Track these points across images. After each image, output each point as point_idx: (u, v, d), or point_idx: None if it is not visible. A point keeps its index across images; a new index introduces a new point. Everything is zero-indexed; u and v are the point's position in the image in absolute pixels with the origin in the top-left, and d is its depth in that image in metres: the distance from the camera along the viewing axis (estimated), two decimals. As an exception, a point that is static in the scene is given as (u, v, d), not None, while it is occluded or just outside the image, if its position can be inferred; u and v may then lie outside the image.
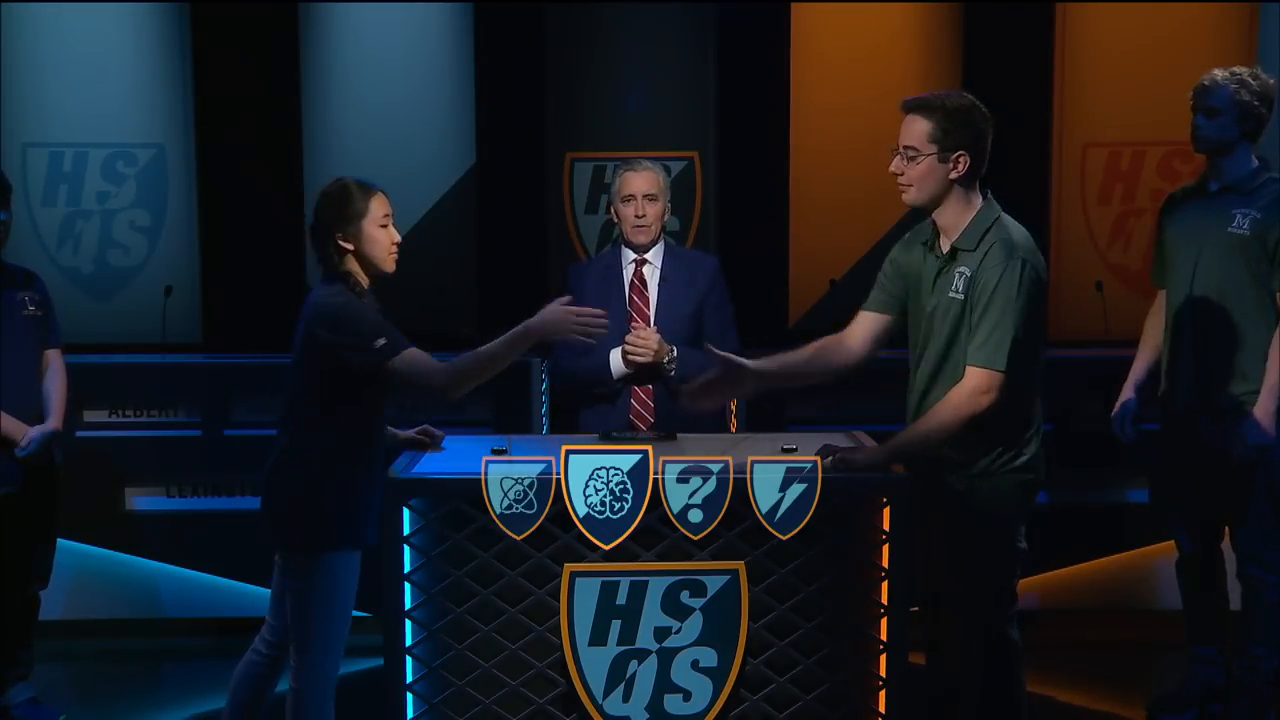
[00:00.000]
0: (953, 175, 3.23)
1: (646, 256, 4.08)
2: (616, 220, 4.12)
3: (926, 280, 3.35)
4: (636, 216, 4.02)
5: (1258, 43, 6.06)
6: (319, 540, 3.23)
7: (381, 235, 3.32)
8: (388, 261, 3.34)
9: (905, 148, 3.25)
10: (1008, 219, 3.28)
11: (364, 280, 3.32)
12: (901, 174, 3.27)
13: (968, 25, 6.22)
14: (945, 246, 3.31)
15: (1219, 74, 3.88)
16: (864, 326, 3.48)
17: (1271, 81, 3.89)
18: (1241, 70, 3.88)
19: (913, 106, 3.27)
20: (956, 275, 3.25)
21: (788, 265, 6.25)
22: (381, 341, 3.18)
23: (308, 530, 3.24)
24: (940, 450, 3.22)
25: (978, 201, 3.29)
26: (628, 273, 4.09)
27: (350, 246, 3.29)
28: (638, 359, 3.91)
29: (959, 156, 3.22)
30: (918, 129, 3.24)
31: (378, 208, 3.31)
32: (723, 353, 3.36)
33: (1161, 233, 4.10)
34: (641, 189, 4.02)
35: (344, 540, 3.24)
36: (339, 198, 3.30)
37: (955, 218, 3.28)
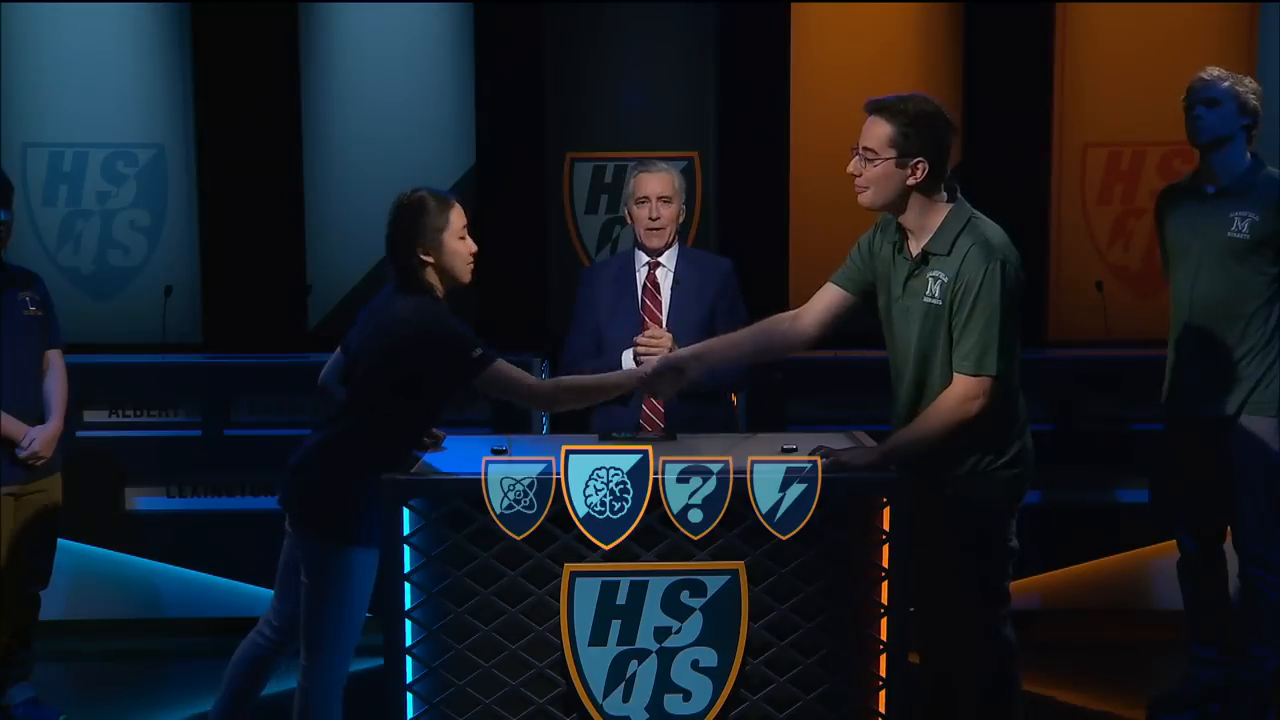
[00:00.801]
0: (910, 181, 3.19)
1: (660, 259, 4.05)
2: (630, 221, 4.09)
3: (896, 282, 3.32)
4: (650, 219, 3.99)
5: (1258, 43, 6.07)
6: (345, 532, 3.25)
7: (461, 247, 3.35)
8: (465, 273, 3.37)
9: (864, 149, 3.22)
10: (981, 219, 3.24)
11: (441, 291, 3.35)
12: (859, 175, 3.24)
13: (968, 25, 6.22)
14: (915, 249, 3.27)
15: (1214, 70, 3.93)
16: (825, 302, 3.46)
17: (1258, 85, 3.94)
18: (1232, 72, 3.94)
19: (875, 108, 3.24)
20: (930, 280, 3.22)
21: (788, 265, 6.24)
22: (479, 352, 3.23)
23: (336, 521, 3.26)
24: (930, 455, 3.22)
25: (943, 204, 3.24)
26: (640, 275, 4.06)
27: (430, 259, 3.31)
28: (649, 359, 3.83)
29: (918, 163, 3.17)
30: (878, 132, 3.20)
31: (457, 219, 3.34)
32: (663, 357, 3.44)
33: (1161, 230, 4.11)
34: (656, 191, 3.99)
35: (369, 537, 3.25)
36: (418, 210, 3.32)
37: (920, 220, 3.24)
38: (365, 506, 3.24)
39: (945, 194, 3.25)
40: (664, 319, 4.00)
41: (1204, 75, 3.94)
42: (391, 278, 3.37)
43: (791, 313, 3.49)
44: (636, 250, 4.10)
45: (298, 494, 3.34)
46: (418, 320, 3.25)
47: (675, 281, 4.03)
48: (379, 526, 3.20)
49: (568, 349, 4.08)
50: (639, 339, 3.89)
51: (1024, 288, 3.23)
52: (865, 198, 3.25)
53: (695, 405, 3.88)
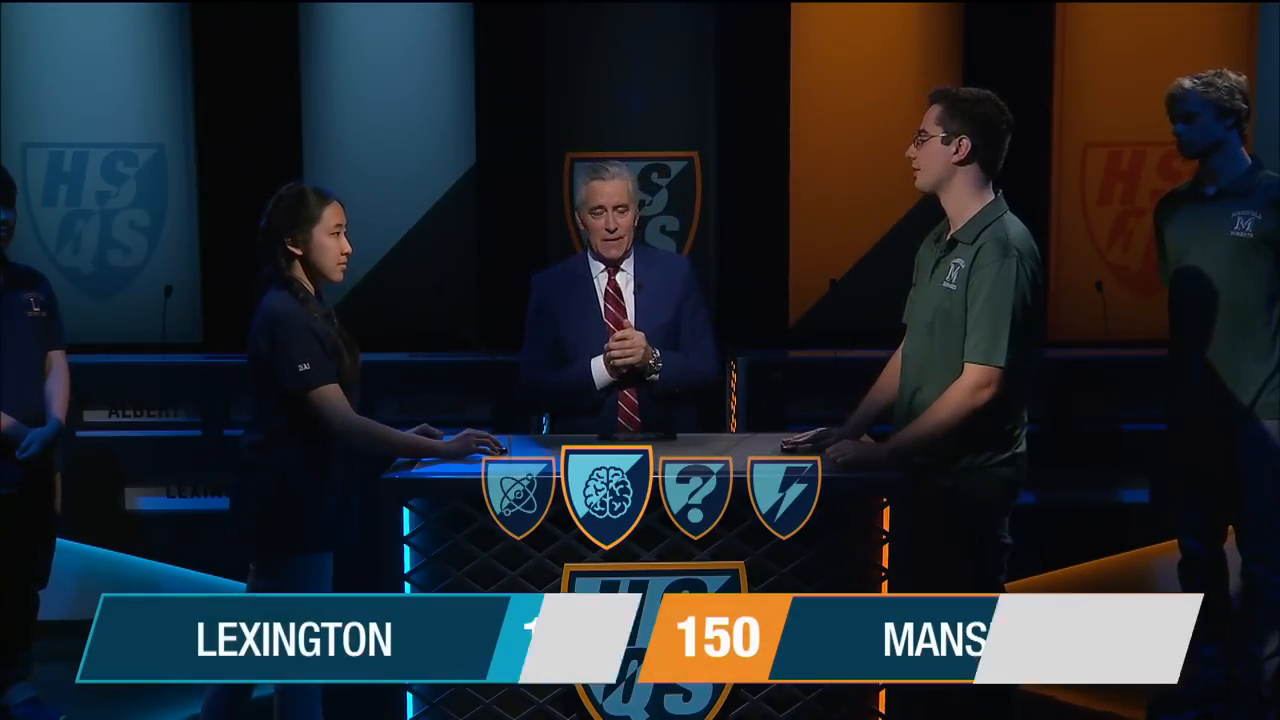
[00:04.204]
0: (955, 159, 3.29)
1: (619, 264, 3.88)
2: (583, 229, 3.88)
3: (924, 272, 3.42)
4: (608, 230, 3.77)
5: (1258, 43, 6.07)
6: (286, 543, 3.25)
7: (331, 244, 3.31)
8: (335, 271, 3.34)
9: (918, 131, 3.35)
10: (1011, 218, 3.31)
11: (309, 287, 3.32)
12: (914, 158, 3.35)
13: (968, 26, 6.23)
14: (948, 236, 3.36)
15: (1184, 81, 3.91)
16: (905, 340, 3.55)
17: (1241, 77, 3.91)
18: (1204, 73, 3.91)
19: (930, 95, 3.38)
20: (952, 266, 3.30)
21: (788, 265, 6.24)
22: (305, 367, 3.18)
23: (276, 533, 3.26)
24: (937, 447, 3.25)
25: (988, 196, 3.33)
26: (600, 281, 3.87)
27: (299, 252, 3.29)
28: (627, 360, 3.72)
29: (961, 140, 3.28)
30: (929, 114, 3.34)
31: (331, 216, 3.31)
32: (836, 442, 3.32)
33: (1160, 236, 4.10)
34: (612, 200, 3.77)
35: (311, 544, 3.26)
36: (294, 202, 3.30)
37: (960, 206, 3.32)
38: (302, 510, 3.24)
39: (992, 190, 3.34)
40: (631, 325, 3.81)
41: (1173, 90, 3.92)
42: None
43: (893, 356, 3.56)
44: (589, 256, 3.90)
45: (237, 511, 3.35)
46: (270, 316, 3.23)
47: (638, 285, 3.84)
48: (319, 529, 3.24)
49: (524, 362, 3.90)
50: (610, 344, 3.73)
51: (1042, 289, 3.31)
52: (918, 179, 3.37)
53: (665, 405, 3.82)
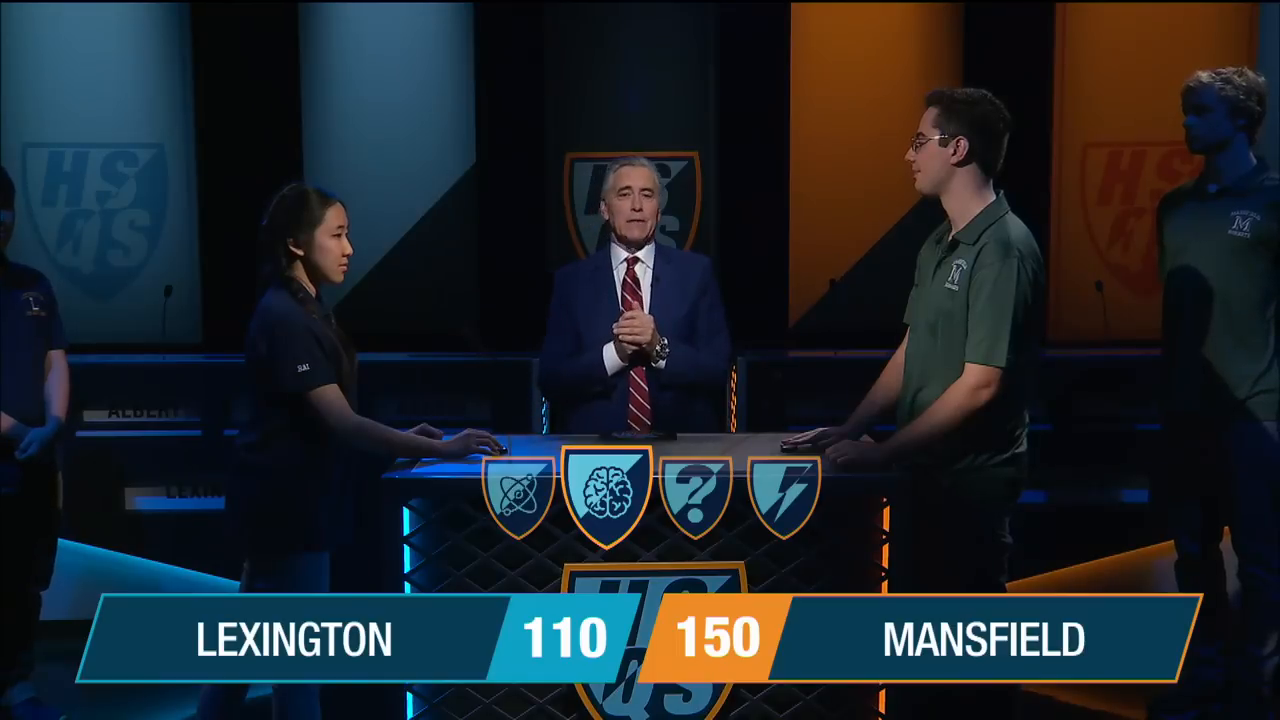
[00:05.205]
0: (953, 160, 3.29)
1: (638, 255, 3.99)
2: (609, 215, 4.01)
3: (926, 274, 3.42)
4: (633, 209, 3.93)
5: (1258, 43, 6.08)
6: (283, 543, 3.26)
7: (333, 245, 3.33)
8: (336, 272, 3.36)
9: (916, 135, 3.35)
10: (1013, 219, 3.32)
11: (310, 288, 3.33)
12: (913, 161, 3.36)
13: (968, 25, 6.24)
14: (950, 237, 3.37)
15: (1203, 75, 3.91)
16: (906, 340, 3.55)
17: (1260, 79, 3.91)
18: (1225, 70, 3.90)
19: (927, 98, 3.38)
20: (954, 267, 3.30)
21: (788, 265, 6.25)
22: (304, 368, 3.20)
23: (272, 533, 3.27)
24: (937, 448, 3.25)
25: (989, 196, 3.33)
26: (619, 273, 4.00)
27: (300, 253, 3.30)
28: (634, 338, 3.82)
29: (958, 140, 3.28)
30: (927, 117, 3.34)
31: (334, 218, 3.32)
32: (836, 442, 3.33)
33: (1161, 233, 4.10)
34: (639, 183, 3.95)
35: (308, 543, 3.27)
36: (296, 203, 3.30)
37: (961, 207, 3.33)
38: (298, 509, 3.25)
39: (992, 191, 3.35)
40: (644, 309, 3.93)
41: (1190, 82, 3.91)
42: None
43: (894, 356, 3.56)
44: (612, 247, 4.03)
45: (232, 510, 3.36)
46: (269, 317, 3.24)
47: (655, 279, 3.97)
48: (316, 528, 3.26)
49: (545, 354, 4.02)
50: (619, 322, 3.83)
51: (1043, 289, 3.31)
52: (918, 181, 3.37)
53: (679, 399, 3.88)
